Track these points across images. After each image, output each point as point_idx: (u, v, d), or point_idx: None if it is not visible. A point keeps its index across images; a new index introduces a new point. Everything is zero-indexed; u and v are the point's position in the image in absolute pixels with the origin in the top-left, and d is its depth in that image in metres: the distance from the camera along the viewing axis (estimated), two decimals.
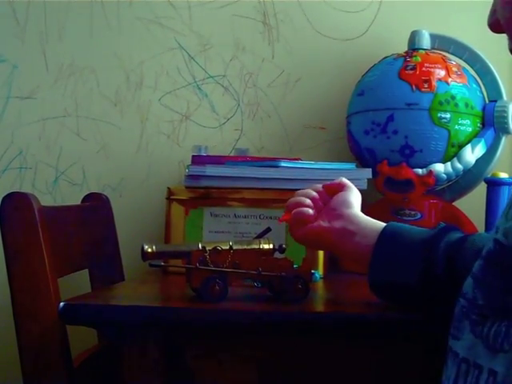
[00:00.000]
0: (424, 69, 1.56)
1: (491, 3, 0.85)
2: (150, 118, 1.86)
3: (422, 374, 1.13)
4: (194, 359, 1.15)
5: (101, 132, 1.86)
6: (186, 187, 1.54)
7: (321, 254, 1.49)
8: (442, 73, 1.56)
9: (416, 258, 1.07)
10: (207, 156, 1.66)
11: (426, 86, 1.54)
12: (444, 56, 1.62)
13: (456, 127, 1.54)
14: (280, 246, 1.21)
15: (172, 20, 1.86)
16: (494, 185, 1.56)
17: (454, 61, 1.63)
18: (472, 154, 1.56)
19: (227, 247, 1.16)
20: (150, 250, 1.16)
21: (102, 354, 1.47)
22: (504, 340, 0.73)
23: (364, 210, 1.65)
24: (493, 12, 0.85)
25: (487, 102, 1.63)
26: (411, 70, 1.56)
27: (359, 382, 1.15)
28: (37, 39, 1.88)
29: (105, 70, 1.87)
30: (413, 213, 1.59)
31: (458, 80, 1.56)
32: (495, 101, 1.61)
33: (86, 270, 1.57)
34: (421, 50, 1.63)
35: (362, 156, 1.64)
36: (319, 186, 1.23)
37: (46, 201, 1.75)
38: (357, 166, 1.59)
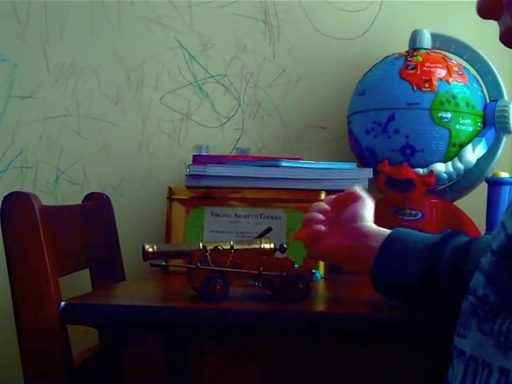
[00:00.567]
0: (425, 68, 1.56)
1: None
2: (151, 118, 1.86)
3: (423, 374, 1.13)
4: (194, 359, 1.15)
5: (102, 131, 1.86)
6: (187, 187, 1.54)
7: None
8: (443, 72, 1.56)
9: (421, 260, 1.07)
10: (208, 155, 1.66)
11: (426, 85, 1.54)
12: (445, 55, 1.62)
13: (457, 127, 1.54)
14: (281, 245, 1.21)
15: (173, 19, 1.86)
16: (494, 184, 1.56)
17: (455, 60, 1.63)
18: (473, 154, 1.56)
19: (228, 247, 1.16)
20: (150, 249, 1.16)
21: (103, 353, 1.47)
22: None
23: None
24: None
25: (488, 101, 1.63)
26: (412, 69, 1.56)
27: (360, 381, 1.15)
28: (38, 39, 1.88)
29: (106, 69, 1.87)
30: (414, 212, 1.59)
31: (458, 79, 1.56)
32: (496, 100, 1.61)
33: (87, 270, 1.57)
34: (422, 50, 1.63)
35: (362, 155, 1.64)
36: (332, 198, 1.22)
37: (47, 200, 1.75)
38: (358, 166, 1.59)
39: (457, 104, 1.54)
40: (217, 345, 1.14)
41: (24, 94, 1.88)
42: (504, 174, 1.56)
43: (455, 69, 1.58)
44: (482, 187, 1.61)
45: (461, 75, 1.58)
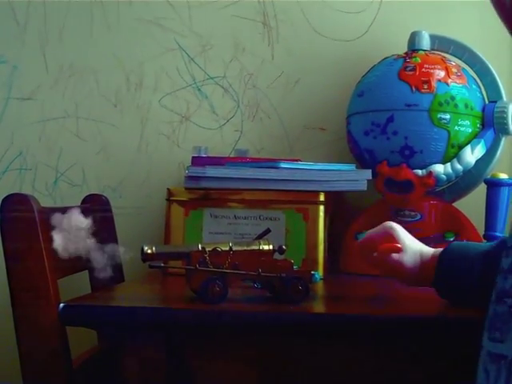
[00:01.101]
0: (424, 70, 1.56)
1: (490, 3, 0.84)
2: (150, 119, 1.86)
3: (423, 374, 1.13)
4: (193, 360, 1.15)
5: (101, 133, 1.86)
6: (186, 188, 1.54)
7: (321, 254, 1.49)
8: (442, 73, 1.56)
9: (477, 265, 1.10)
10: (207, 157, 1.66)
11: (425, 86, 1.54)
12: (444, 57, 1.62)
13: (456, 128, 1.54)
14: (280, 247, 1.21)
15: (172, 21, 1.86)
16: (493, 185, 1.56)
17: (454, 61, 1.63)
18: (472, 155, 1.56)
19: (227, 248, 1.16)
20: (149, 251, 1.16)
21: (102, 355, 1.47)
22: None
23: (364, 211, 1.66)
24: None
25: (487, 102, 1.63)
26: (411, 70, 1.56)
27: (359, 382, 1.15)
28: (37, 40, 1.88)
29: (105, 70, 1.87)
30: (413, 214, 1.59)
31: (457, 81, 1.56)
32: (495, 101, 1.61)
33: (86, 272, 1.57)
34: (420, 51, 1.63)
35: (361, 157, 1.64)
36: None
37: (46, 202, 1.74)
38: (357, 167, 1.59)
39: (455, 105, 1.54)
40: (216, 346, 1.15)
41: (23, 96, 1.88)
42: (503, 175, 1.56)
43: (454, 70, 1.58)
44: (481, 188, 1.61)
45: (459, 76, 1.58)
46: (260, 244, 1.20)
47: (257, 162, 1.58)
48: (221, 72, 1.86)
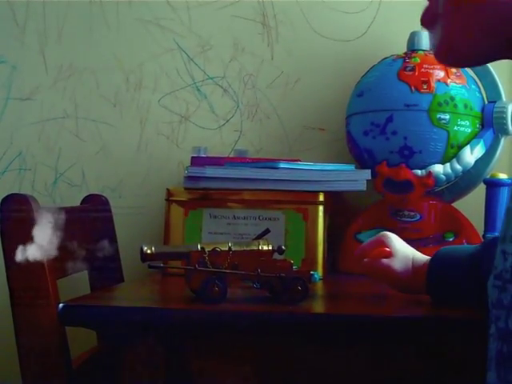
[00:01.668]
0: (423, 70, 1.56)
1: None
2: (150, 119, 1.86)
3: (423, 374, 1.13)
4: (193, 360, 1.15)
5: (100, 133, 1.86)
6: (186, 188, 1.54)
7: (320, 255, 1.49)
8: (441, 74, 1.56)
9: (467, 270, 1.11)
10: (206, 157, 1.66)
11: (425, 87, 1.54)
12: None
13: (455, 128, 1.55)
14: (279, 247, 1.21)
15: (171, 21, 1.86)
16: (493, 186, 1.56)
17: None
18: (471, 155, 1.56)
19: (226, 248, 1.16)
20: (149, 251, 1.16)
21: (102, 355, 1.47)
22: None
23: (363, 211, 1.66)
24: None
25: (486, 102, 1.63)
26: (410, 71, 1.57)
27: (359, 382, 1.15)
28: (36, 40, 1.88)
29: (104, 71, 1.87)
30: (412, 214, 1.60)
31: (457, 81, 1.56)
32: (494, 102, 1.61)
33: (85, 272, 1.57)
34: (420, 51, 1.63)
35: (361, 157, 1.64)
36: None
37: (46, 202, 1.75)
38: (356, 167, 1.59)
39: (455, 105, 1.54)
40: (215, 346, 1.15)
41: (22, 96, 1.88)
42: (502, 176, 1.56)
43: (453, 70, 1.58)
44: (481, 188, 1.61)
45: (459, 76, 1.58)
46: (259, 244, 1.20)
47: (256, 162, 1.58)
48: (220, 72, 1.86)
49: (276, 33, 1.85)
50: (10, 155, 1.87)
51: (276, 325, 1.10)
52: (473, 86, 1.60)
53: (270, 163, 1.54)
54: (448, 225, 1.60)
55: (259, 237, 1.23)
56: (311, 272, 1.19)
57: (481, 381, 0.78)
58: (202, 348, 1.14)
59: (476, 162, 1.58)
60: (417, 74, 1.56)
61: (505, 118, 1.58)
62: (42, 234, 1.19)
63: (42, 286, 1.16)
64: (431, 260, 1.17)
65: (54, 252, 1.22)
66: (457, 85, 1.56)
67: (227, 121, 1.85)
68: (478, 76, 1.66)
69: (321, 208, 1.50)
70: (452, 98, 1.54)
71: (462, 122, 1.55)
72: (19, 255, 1.16)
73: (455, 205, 1.66)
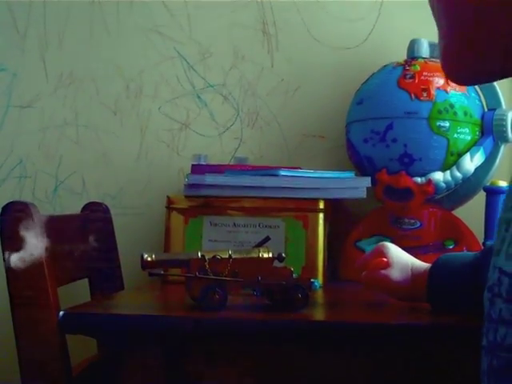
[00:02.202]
0: (423, 77, 1.56)
1: None
2: (150, 127, 1.86)
3: (422, 381, 1.13)
4: (193, 368, 1.15)
5: (100, 141, 1.87)
6: (186, 196, 1.54)
7: (320, 262, 1.49)
8: (441, 81, 1.56)
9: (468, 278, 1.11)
10: (207, 165, 1.66)
11: (424, 94, 1.54)
12: None
13: (455, 136, 1.55)
14: (279, 254, 1.21)
15: (171, 29, 1.87)
16: (493, 193, 1.56)
17: None
18: (471, 163, 1.56)
19: (226, 256, 1.16)
20: (149, 258, 1.16)
21: (102, 363, 1.47)
22: None
23: (363, 218, 1.66)
24: None
25: (486, 110, 1.63)
26: (410, 78, 1.57)
27: None
28: (36, 48, 1.88)
29: (104, 78, 1.87)
30: (412, 221, 1.60)
31: (456, 88, 1.56)
32: (494, 109, 1.61)
33: (86, 279, 1.57)
34: (420, 59, 1.63)
35: (361, 164, 1.64)
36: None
37: (46, 210, 1.75)
38: (356, 175, 1.59)
39: (455, 113, 1.54)
40: (215, 354, 1.15)
41: (23, 104, 1.88)
42: (502, 183, 1.56)
43: None
44: (481, 196, 1.61)
45: None
46: (259, 252, 1.20)
47: (256, 170, 1.58)
48: (220, 80, 1.86)
49: (276, 40, 1.85)
50: (10, 163, 1.87)
51: (276, 332, 1.10)
52: (472, 94, 1.60)
53: (270, 171, 1.54)
54: (448, 232, 1.60)
55: (259, 244, 1.23)
56: (311, 280, 1.19)
57: None
58: (202, 356, 1.14)
59: (476, 169, 1.58)
60: (417, 81, 1.56)
61: (505, 126, 1.59)
62: (42, 241, 1.19)
63: (42, 293, 1.16)
64: (431, 268, 1.17)
65: (54, 259, 1.22)
66: (456, 92, 1.56)
67: (227, 128, 1.85)
68: None
69: (321, 215, 1.50)
70: (452, 106, 1.55)
71: (462, 130, 1.56)
72: (20, 262, 1.17)
73: (455, 212, 1.66)
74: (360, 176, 1.60)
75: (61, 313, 1.11)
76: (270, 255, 1.20)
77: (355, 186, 1.53)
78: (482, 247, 1.54)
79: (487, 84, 1.65)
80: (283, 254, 1.21)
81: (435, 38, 0.78)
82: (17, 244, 1.18)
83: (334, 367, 1.14)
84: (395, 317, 1.19)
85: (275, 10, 1.85)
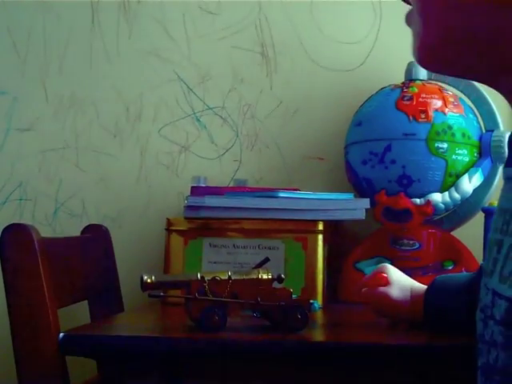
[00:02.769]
0: (421, 99, 1.57)
1: None
2: (149, 150, 1.87)
3: None
4: None
5: (100, 163, 1.87)
6: (185, 218, 1.55)
7: (319, 283, 1.49)
8: (439, 103, 1.57)
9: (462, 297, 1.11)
10: (206, 187, 1.66)
11: (423, 116, 1.55)
12: (440, 87, 1.63)
13: (453, 157, 1.55)
14: (279, 275, 1.21)
15: (171, 52, 1.88)
16: (491, 214, 1.56)
17: (451, 91, 1.64)
18: (469, 184, 1.57)
19: (226, 277, 1.16)
20: (149, 280, 1.16)
21: None
22: None
23: (362, 240, 1.66)
24: None
25: (484, 131, 1.64)
26: (408, 100, 1.57)
27: None
28: (37, 71, 1.89)
29: (104, 101, 1.88)
30: (411, 242, 1.60)
31: (454, 110, 1.57)
32: (492, 131, 1.62)
33: (86, 301, 1.57)
34: (417, 81, 1.64)
35: (360, 186, 1.64)
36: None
37: (46, 232, 1.74)
38: (355, 196, 1.59)
39: (453, 134, 1.55)
40: (215, 375, 1.14)
41: (23, 127, 1.89)
42: None
43: (451, 99, 1.59)
44: (479, 217, 1.61)
45: (456, 106, 1.59)
46: (259, 273, 1.20)
47: (256, 192, 1.59)
48: (220, 102, 1.87)
49: (275, 63, 1.86)
50: (10, 185, 1.87)
51: (276, 354, 1.10)
52: (470, 115, 1.61)
53: (269, 192, 1.55)
54: (447, 253, 1.60)
55: (259, 265, 1.23)
56: (311, 301, 1.19)
57: None
58: (202, 377, 1.14)
59: (474, 190, 1.58)
60: (415, 103, 1.57)
61: (502, 147, 1.59)
62: (42, 263, 1.19)
63: (42, 315, 1.16)
64: (427, 289, 1.17)
65: (54, 281, 1.22)
66: (454, 114, 1.57)
67: (227, 150, 1.86)
68: (475, 105, 1.67)
69: (320, 237, 1.51)
70: (450, 127, 1.55)
71: (460, 151, 1.56)
72: (20, 284, 1.17)
73: (454, 233, 1.67)
74: (359, 197, 1.61)
75: (61, 335, 1.11)
76: (270, 276, 1.20)
77: (354, 208, 1.54)
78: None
79: (485, 105, 1.66)
80: (283, 275, 1.21)
81: None
82: (17, 266, 1.18)
83: None
84: (395, 338, 1.19)
85: (274, 33, 1.86)
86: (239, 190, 1.64)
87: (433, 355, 1.07)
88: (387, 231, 1.61)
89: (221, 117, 1.87)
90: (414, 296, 1.19)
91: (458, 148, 1.56)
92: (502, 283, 0.73)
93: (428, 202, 1.54)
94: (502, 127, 1.65)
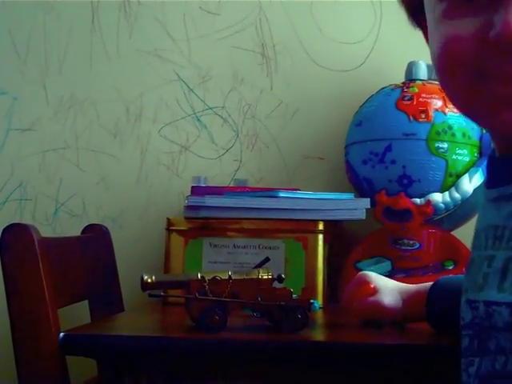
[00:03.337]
0: (421, 99, 1.57)
1: None
2: (150, 150, 1.87)
3: None
4: None
5: (100, 163, 1.87)
6: (186, 218, 1.55)
7: (320, 283, 1.50)
8: (439, 103, 1.57)
9: None
10: (206, 187, 1.66)
11: (423, 116, 1.55)
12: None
13: (453, 157, 1.55)
14: (279, 275, 1.21)
15: (171, 52, 1.88)
16: None
17: None
18: (470, 184, 1.56)
19: (226, 277, 1.16)
20: (149, 280, 1.16)
21: None
22: None
23: (363, 239, 1.66)
24: None
25: (484, 131, 1.63)
26: (408, 100, 1.57)
27: None
28: (37, 72, 1.90)
29: (104, 102, 1.88)
30: (411, 242, 1.60)
31: (454, 110, 1.57)
32: None
33: (86, 301, 1.57)
34: (418, 81, 1.64)
35: (360, 186, 1.64)
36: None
37: (46, 232, 1.75)
38: (355, 196, 1.59)
39: (453, 134, 1.55)
40: (215, 375, 1.14)
41: (23, 127, 1.89)
42: None
43: None
44: None
45: None
46: (259, 273, 1.20)
47: (256, 192, 1.59)
48: (220, 102, 1.87)
49: (275, 63, 1.87)
50: (10, 186, 1.87)
51: (276, 353, 1.10)
52: None
53: (269, 192, 1.55)
54: (447, 253, 1.60)
55: (259, 265, 1.23)
56: (311, 301, 1.19)
57: None
58: (202, 377, 1.14)
59: (474, 190, 1.58)
60: (415, 103, 1.57)
61: None
62: (42, 263, 1.19)
63: (42, 315, 1.16)
64: (430, 289, 1.16)
65: (54, 281, 1.22)
66: (455, 114, 1.56)
67: (227, 150, 1.86)
68: None
69: (320, 237, 1.51)
70: (450, 127, 1.55)
71: (461, 151, 1.56)
72: (20, 284, 1.17)
73: (454, 233, 1.66)
74: (359, 197, 1.61)
75: (61, 334, 1.11)
76: (270, 276, 1.20)
77: (354, 208, 1.54)
78: None
79: None
80: (283, 275, 1.21)
81: None
82: (17, 266, 1.18)
83: None
84: (395, 337, 1.19)
85: (274, 33, 1.86)
86: (239, 189, 1.64)
87: (433, 355, 1.07)
88: (387, 231, 1.61)
89: (221, 117, 1.87)
90: (406, 297, 1.18)
91: (458, 148, 1.56)
92: (502, 292, 0.75)
93: (428, 202, 1.54)
94: None
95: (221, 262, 1.51)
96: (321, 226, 1.51)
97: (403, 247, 1.60)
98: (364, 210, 1.54)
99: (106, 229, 1.69)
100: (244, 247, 1.51)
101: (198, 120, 1.87)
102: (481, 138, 1.60)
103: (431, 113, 1.55)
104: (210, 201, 1.53)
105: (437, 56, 0.81)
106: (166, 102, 1.87)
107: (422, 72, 1.66)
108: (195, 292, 1.14)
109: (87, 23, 1.90)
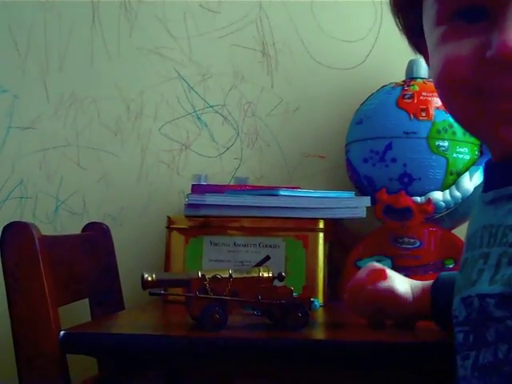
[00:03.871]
0: (422, 97, 1.57)
1: None
2: (150, 148, 1.87)
3: None
4: None
5: (101, 161, 1.87)
6: (186, 216, 1.55)
7: (320, 282, 1.50)
8: (440, 101, 1.56)
9: None
10: (207, 185, 1.67)
11: (423, 114, 1.55)
12: None
13: (454, 155, 1.55)
14: (279, 274, 1.21)
15: (172, 50, 1.88)
16: None
17: None
18: (470, 182, 1.57)
19: (227, 275, 1.16)
20: (150, 278, 1.16)
21: (103, 383, 1.47)
22: None
23: (363, 238, 1.66)
24: None
25: None
26: (409, 98, 1.57)
27: None
28: (37, 70, 1.89)
29: (105, 99, 1.88)
30: (412, 241, 1.60)
31: None
32: None
33: (86, 299, 1.57)
34: (418, 79, 1.64)
35: (361, 184, 1.64)
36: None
37: (47, 230, 1.74)
38: (356, 194, 1.59)
39: (453, 133, 1.55)
40: (216, 373, 1.15)
41: (24, 125, 1.89)
42: None
43: None
44: None
45: None
46: (260, 271, 1.20)
47: (256, 190, 1.59)
48: (220, 100, 1.87)
49: (276, 61, 1.86)
50: (11, 183, 1.87)
51: (276, 352, 1.10)
52: None
53: (270, 191, 1.55)
54: (448, 251, 1.60)
55: (259, 264, 1.23)
56: (312, 299, 1.19)
57: None
58: (202, 375, 1.15)
59: (475, 188, 1.58)
60: (415, 101, 1.57)
61: None
62: (43, 261, 1.19)
63: (43, 313, 1.16)
64: (433, 285, 1.15)
65: (54, 279, 1.22)
66: None
67: (227, 149, 1.86)
68: None
69: (321, 235, 1.51)
70: (451, 126, 1.55)
71: (461, 149, 1.56)
72: (20, 282, 1.17)
73: (455, 231, 1.66)
74: (360, 195, 1.61)
75: (61, 333, 1.11)
76: (271, 274, 1.20)
77: (355, 206, 1.54)
78: None
79: None
80: (283, 274, 1.21)
81: None
82: (17, 264, 1.18)
83: None
84: (395, 335, 1.19)
85: (274, 31, 1.86)
86: (240, 188, 1.64)
87: (434, 354, 1.07)
88: (388, 229, 1.61)
89: (221, 115, 1.87)
90: (415, 293, 1.16)
91: (458, 146, 1.56)
92: (493, 284, 0.76)
93: (429, 201, 1.54)
94: None
95: (221, 260, 1.51)
96: (321, 225, 1.51)
97: (404, 245, 1.60)
98: (364, 209, 1.54)
99: (107, 227, 1.69)
100: (244, 245, 1.51)
101: (199, 118, 1.87)
102: None
103: (432, 111, 1.55)
104: (211, 199, 1.53)
105: (437, 76, 0.85)
106: (167, 100, 1.87)
107: (423, 70, 1.66)
108: (196, 290, 1.14)
109: (88, 21, 1.90)
